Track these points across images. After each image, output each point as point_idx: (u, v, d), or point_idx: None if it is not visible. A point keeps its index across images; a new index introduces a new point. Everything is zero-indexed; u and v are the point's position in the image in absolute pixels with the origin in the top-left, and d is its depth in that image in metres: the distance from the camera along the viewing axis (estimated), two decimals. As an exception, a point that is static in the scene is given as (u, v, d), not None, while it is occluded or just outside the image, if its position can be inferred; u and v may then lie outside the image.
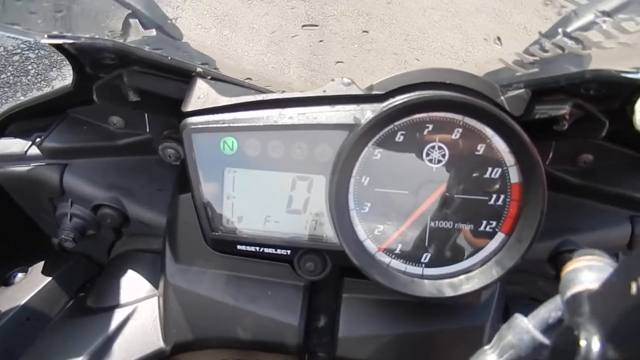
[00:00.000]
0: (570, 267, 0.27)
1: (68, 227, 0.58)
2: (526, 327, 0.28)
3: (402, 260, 0.45)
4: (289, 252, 0.46)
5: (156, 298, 0.53)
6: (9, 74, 2.36)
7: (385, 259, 0.45)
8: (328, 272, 0.47)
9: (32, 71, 2.42)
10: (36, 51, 2.49)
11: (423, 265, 0.45)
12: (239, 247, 0.47)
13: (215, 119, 0.45)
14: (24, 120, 0.61)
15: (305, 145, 0.44)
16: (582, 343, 0.22)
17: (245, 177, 0.46)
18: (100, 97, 0.49)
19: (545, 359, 0.27)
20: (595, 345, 0.22)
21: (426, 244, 0.45)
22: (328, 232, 0.46)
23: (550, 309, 0.27)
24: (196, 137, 0.45)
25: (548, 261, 0.54)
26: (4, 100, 2.25)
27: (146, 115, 0.58)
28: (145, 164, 0.61)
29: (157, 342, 0.50)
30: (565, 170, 0.55)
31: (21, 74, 2.38)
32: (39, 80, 2.40)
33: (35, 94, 2.32)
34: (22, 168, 0.57)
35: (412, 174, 0.44)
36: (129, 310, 0.52)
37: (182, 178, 0.53)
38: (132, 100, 0.49)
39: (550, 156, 0.54)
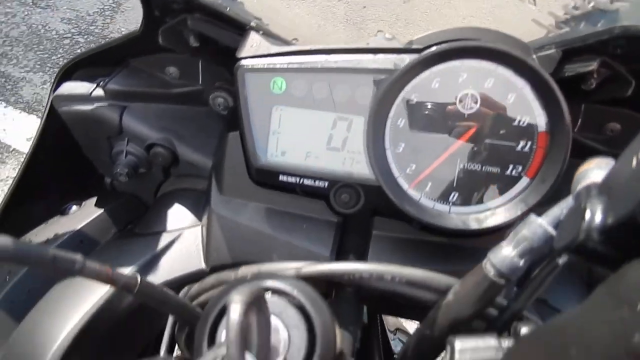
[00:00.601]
0: (582, 169, 0.30)
1: (123, 163, 0.63)
2: (539, 222, 0.31)
3: (431, 199, 0.48)
4: (326, 184, 0.50)
5: (199, 227, 0.58)
6: (59, 55, 2.49)
7: (416, 195, 0.48)
8: (361, 206, 0.50)
9: (81, 55, 2.53)
10: (85, 36, 2.61)
11: (450, 204, 0.48)
12: (281, 177, 0.51)
13: (266, 61, 0.50)
14: (88, 67, 0.67)
15: (348, 87, 0.48)
16: (587, 214, 0.25)
17: (291, 115, 0.50)
18: (165, 40, 0.54)
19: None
20: (598, 214, 0.25)
21: (454, 185, 0.48)
22: (363, 169, 0.50)
23: (562, 207, 0.31)
24: (249, 77, 0.50)
25: None
26: (52, 81, 2.37)
27: (200, 66, 0.63)
28: (195, 114, 0.66)
29: (198, 264, 0.54)
30: (593, 138, 0.57)
31: (70, 57, 2.50)
32: (86, 63, 2.51)
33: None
34: (87, 107, 0.63)
35: (445, 118, 0.47)
36: (174, 235, 0.57)
37: (230, 120, 0.58)
38: (192, 45, 0.55)
39: (579, 123, 0.57)
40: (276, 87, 0.50)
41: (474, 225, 0.46)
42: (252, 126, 0.51)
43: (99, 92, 0.63)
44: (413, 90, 0.47)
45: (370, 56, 0.48)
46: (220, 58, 0.58)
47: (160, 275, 0.54)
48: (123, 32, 2.69)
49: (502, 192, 0.48)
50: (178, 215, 0.61)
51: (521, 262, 0.32)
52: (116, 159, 0.64)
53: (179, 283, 0.53)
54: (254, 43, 0.52)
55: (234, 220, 0.54)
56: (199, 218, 0.60)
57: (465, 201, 0.48)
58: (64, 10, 2.69)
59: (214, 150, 0.61)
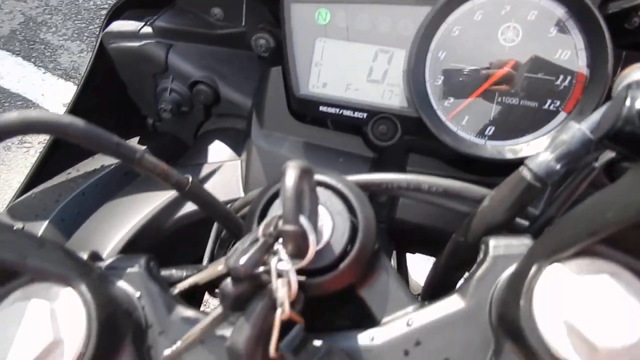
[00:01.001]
0: (624, 72, 0.31)
1: (167, 100, 0.66)
2: (578, 126, 0.32)
3: (467, 132, 0.50)
4: (365, 115, 0.52)
5: (239, 161, 0.60)
6: (95, 25, 2.55)
7: (453, 127, 0.50)
8: (397, 139, 0.52)
9: (117, 26, 2.58)
10: (121, 8, 2.67)
11: (486, 137, 0.49)
12: (321, 108, 0.53)
13: (312, -8, 0.51)
14: (137, 8, 0.70)
15: (390, 20, 0.50)
16: (628, 101, 0.26)
17: (333, 47, 0.52)
18: None
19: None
20: (639, 100, 0.26)
21: (491, 118, 0.49)
22: (402, 102, 0.51)
23: (601, 112, 0.32)
24: (295, 8, 0.51)
25: (604, 172, 0.57)
26: (89, 50, 2.43)
27: (244, 8, 0.65)
28: (236, 56, 0.68)
29: (237, 192, 0.57)
30: None
31: (106, 28, 2.56)
32: (122, 34, 2.57)
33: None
34: (135, 44, 0.66)
35: (485, 51, 0.48)
36: (214, 167, 0.60)
37: (272, 59, 0.60)
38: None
39: (619, 71, 0.57)
40: (320, 18, 0.51)
41: (509, 155, 0.47)
42: (295, 58, 0.53)
43: (147, 29, 0.66)
44: (455, 23, 0.48)
45: (413, -11, 0.49)
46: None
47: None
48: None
49: (538, 126, 0.48)
50: (218, 151, 0.64)
51: (558, 166, 0.33)
52: (160, 96, 0.67)
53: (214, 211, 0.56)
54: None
55: (273, 152, 0.57)
56: (238, 154, 0.63)
57: (501, 135, 0.49)
58: (102, -18, 2.74)
59: (254, 90, 0.63)
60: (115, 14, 0.69)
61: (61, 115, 0.32)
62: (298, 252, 0.28)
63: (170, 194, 0.56)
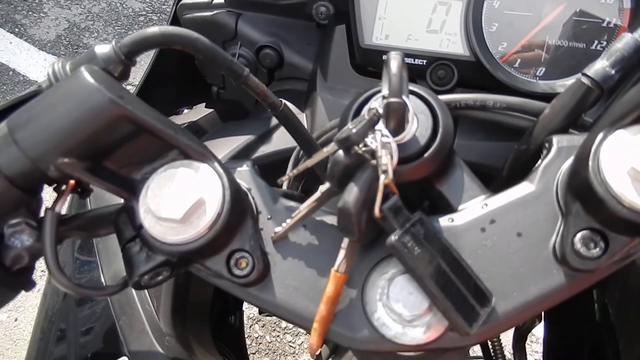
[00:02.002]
0: None
1: (235, 64, 0.73)
2: (631, 35, 0.37)
3: (520, 73, 0.55)
4: (424, 62, 0.57)
5: (303, 115, 0.66)
6: (134, 31, 2.67)
7: (507, 68, 0.55)
8: (454, 83, 0.57)
9: (154, 31, 2.71)
10: (158, 14, 2.79)
11: (537, 77, 0.54)
12: (384, 57, 0.58)
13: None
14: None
15: (449, -27, 0.55)
16: None
17: (396, 1, 0.58)
18: None
19: None
20: None
21: (542, 59, 0.54)
22: (458, 49, 0.57)
23: None
24: (360, -33, 0.58)
25: None
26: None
27: (306, -21, 0.72)
28: (298, 24, 0.74)
29: None
30: None
31: (145, 33, 2.68)
32: (159, 39, 2.68)
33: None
34: (207, 13, 0.73)
35: (536, -2, 0.53)
36: (277, 121, 0.66)
37: (332, 22, 0.66)
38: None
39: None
40: (385, -24, 0.57)
41: (560, 90, 0.52)
42: (361, 13, 0.59)
43: (219, 0, 0.73)
44: (509, -26, 0.53)
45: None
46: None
47: (270, 146, 0.63)
48: (192, 12, 2.85)
49: (586, 66, 0.53)
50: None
51: (613, 71, 0.38)
52: (228, 61, 0.74)
53: (286, 154, 0.62)
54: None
55: (337, 102, 0.62)
56: (302, 109, 0.69)
57: (552, 75, 0.54)
58: (140, -9, 2.88)
59: (316, 52, 0.70)
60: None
61: (191, 32, 0.39)
62: (398, 127, 0.33)
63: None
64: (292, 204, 0.39)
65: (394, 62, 0.33)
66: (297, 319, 0.36)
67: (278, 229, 0.36)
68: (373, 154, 0.33)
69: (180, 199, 0.32)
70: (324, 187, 0.35)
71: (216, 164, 0.35)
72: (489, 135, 0.56)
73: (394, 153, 0.33)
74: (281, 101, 0.45)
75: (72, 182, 0.35)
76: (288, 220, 0.36)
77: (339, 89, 0.63)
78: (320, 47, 0.69)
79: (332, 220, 0.38)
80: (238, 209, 0.35)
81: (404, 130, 0.35)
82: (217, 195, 0.33)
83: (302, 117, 0.66)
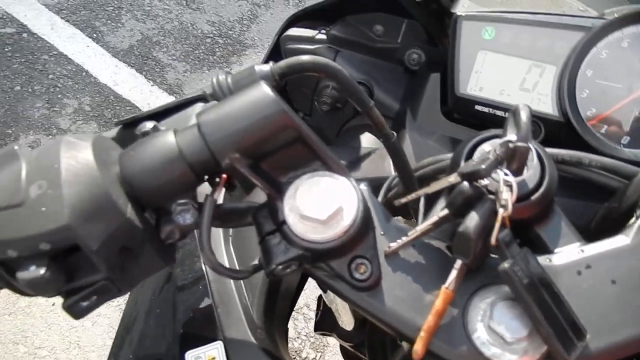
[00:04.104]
0: None
1: (327, 94, 0.79)
2: None
3: (605, 138, 0.59)
4: (514, 116, 0.62)
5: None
6: (200, 51, 2.83)
7: (594, 132, 0.59)
8: (540, 139, 0.62)
9: (218, 53, 2.86)
10: (224, 39, 2.95)
11: (622, 145, 0.58)
12: (476, 107, 0.64)
13: (481, 14, 0.63)
14: (308, 20, 0.85)
15: (548, 40, 0.61)
16: None
17: (493, 58, 0.63)
18: None
19: None
20: None
21: (628, 129, 0.58)
22: (548, 109, 0.61)
23: None
24: (465, 24, 0.64)
25: None
26: (191, 73, 2.70)
27: (403, 27, 0.78)
28: (388, 67, 0.81)
29: (389, 172, 0.68)
30: None
31: (209, 54, 2.84)
32: (222, 61, 2.83)
33: (216, 72, 2.76)
34: (309, 47, 0.80)
35: (628, 72, 0.58)
36: (366, 150, 0.71)
37: (423, 68, 0.72)
38: (417, 1, 0.70)
39: None
40: (486, 34, 0.63)
41: (644, 158, 0.56)
42: (459, 65, 0.65)
43: (321, 36, 0.80)
44: (604, 47, 0.58)
45: (570, 18, 0.60)
46: (431, 17, 0.73)
47: (359, 173, 0.68)
48: (256, 40, 3.00)
49: (671, 139, 0.57)
50: (367, 138, 0.75)
51: None
52: (321, 92, 0.80)
53: (374, 183, 0.67)
54: (465, 4, 0.67)
55: (424, 141, 0.68)
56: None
57: (636, 144, 0.58)
58: (210, 14, 3.06)
59: (404, 93, 0.76)
60: (290, 24, 0.85)
61: (334, 63, 0.45)
62: (519, 169, 0.38)
63: None
64: (402, 225, 0.44)
65: (524, 113, 0.38)
66: (403, 327, 0.39)
67: (393, 245, 0.41)
68: (486, 187, 0.38)
69: (325, 204, 0.37)
70: (442, 213, 0.39)
71: (352, 180, 0.40)
72: (575, 193, 0.60)
73: (514, 191, 0.37)
74: (393, 133, 0.50)
75: (224, 176, 0.40)
76: (403, 238, 0.41)
77: (427, 130, 0.68)
78: (410, 90, 0.74)
79: (436, 243, 0.42)
80: (365, 221, 0.39)
81: (523, 173, 0.39)
82: (354, 206, 0.38)
83: (384, 152, 0.71)
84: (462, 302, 0.39)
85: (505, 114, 0.63)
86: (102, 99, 2.39)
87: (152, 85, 2.56)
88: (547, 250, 0.42)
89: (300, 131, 0.38)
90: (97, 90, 2.42)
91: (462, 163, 0.43)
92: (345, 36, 0.80)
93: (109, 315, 1.74)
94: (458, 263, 0.38)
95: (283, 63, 0.45)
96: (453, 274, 0.38)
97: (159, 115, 0.45)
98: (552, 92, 0.61)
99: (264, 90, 0.37)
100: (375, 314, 0.40)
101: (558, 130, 0.60)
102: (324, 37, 0.80)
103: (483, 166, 0.37)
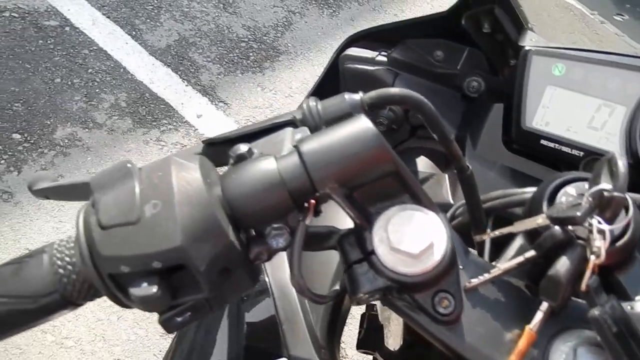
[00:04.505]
0: None
1: (384, 115, 0.80)
2: None
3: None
4: (581, 154, 0.62)
5: (446, 175, 0.72)
6: (234, 54, 2.86)
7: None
8: (605, 177, 0.62)
9: (252, 58, 2.89)
10: (258, 44, 2.98)
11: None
12: (542, 141, 0.64)
13: (552, 50, 0.64)
14: (367, 41, 0.86)
15: (620, 80, 0.61)
16: None
17: (562, 95, 0.64)
18: (467, 23, 0.71)
19: None
20: None
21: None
22: (616, 148, 0.62)
23: None
24: (535, 59, 0.64)
25: None
26: (225, 75, 2.73)
27: (465, 54, 0.79)
28: (445, 92, 0.82)
29: (447, 200, 0.68)
30: None
31: (243, 58, 2.87)
32: (255, 66, 2.86)
33: (249, 75, 2.79)
34: (369, 67, 0.82)
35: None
36: (423, 175, 0.72)
37: (481, 96, 0.73)
38: (483, 30, 0.71)
39: None
40: (556, 70, 0.63)
41: None
42: (526, 98, 0.65)
43: (382, 58, 0.81)
44: (676, 92, 0.59)
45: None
46: (494, 47, 0.73)
47: None
48: (289, 47, 3.03)
49: None
50: (423, 163, 0.76)
51: None
52: (379, 112, 0.81)
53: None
54: (533, 38, 0.67)
55: (485, 171, 0.68)
56: (441, 169, 0.75)
57: None
58: (246, 19, 3.10)
59: (462, 120, 0.76)
60: (349, 43, 0.86)
61: (422, 98, 0.46)
62: (612, 218, 0.38)
63: None
64: (481, 260, 0.44)
65: (621, 162, 0.38)
66: None
67: (474, 280, 0.42)
68: (574, 232, 0.38)
69: (417, 239, 0.38)
70: (528, 254, 0.40)
71: (442, 215, 0.41)
72: None
73: (607, 239, 0.38)
74: (468, 167, 0.51)
75: (313, 202, 0.41)
76: (486, 275, 0.41)
77: (488, 161, 0.69)
78: (468, 117, 0.75)
79: (514, 281, 0.43)
80: (452, 256, 0.40)
81: (615, 222, 0.39)
82: (443, 242, 0.39)
83: (444, 177, 0.72)
84: (543, 343, 0.40)
85: (571, 150, 0.63)
86: (138, 96, 2.44)
87: (187, 86, 2.60)
88: (627, 297, 0.43)
89: (397, 165, 0.39)
90: (134, 87, 2.46)
91: (545, 205, 0.44)
92: (405, 59, 0.81)
93: (135, 311, 1.76)
94: (544, 305, 0.39)
95: (374, 94, 0.46)
96: (539, 315, 0.39)
97: (247, 137, 0.46)
98: (621, 132, 0.61)
99: (366, 123, 0.38)
100: (454, 349, 0.41)
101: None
102: (384, 59, 0.81)
103: (578, 213, 0.37)
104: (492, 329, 0.41)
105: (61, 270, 0.37)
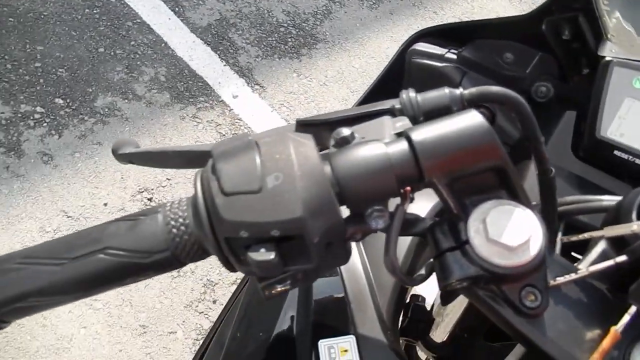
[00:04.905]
0: None
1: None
2: None
3: None
4: (654, 168, 0.63)
5: None
6: (273, 38, 2.87)
7: None
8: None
9: (290, 43, 2.90)
10: (296, 30, 2.99)
11: None
12: (615, 152, 0.65)
13: (635, 62, 0.64)
14: (434, 37, 0.87)
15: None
16: None
17: (639, 107, 0.64)
18: (547, 28, 0.71)
19: None
20: None
21: None
22: (687, 164, 0.62)
23: None
24: (616, 70, 0.65)
25: None
26: (262, 59, 2.75)
27: (536, 58, 0.80)
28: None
29: None
30: None
31: (281, 43, 2.88)
32: (292, 51, 2.87)
33: (286, 61, 2.80)
34: (437, 64, 0.82)
35: None
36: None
37: (549, 102, 0.73)
38: (563, 37, 0.71)
39: None
40: (637, 83, 0.64)
41: None
42: (602, 107, 0.66)
43: (451, 55, 0.82)
44: None
45: None
46: (569, 53, 0.74)
47: None
48: (327, 35, 3.03)
49: None
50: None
51: None
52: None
53: None
54: (613, 49, 0.68)
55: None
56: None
57: None
58: (287, 4, 3.10)
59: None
60: (416, 38, 0.87)
61: (521, 99, 0.47)
62: None
63: None
64: (561, 258, 0.46)
65: None
66: (563, 358, 0.41)
67: (560, 279, 0.43)
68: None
69: (516, 232, 0.40)
70: (619, 259, 0.41)
71: (538, 215, 0.42)
72: None
73: None
74: (552, 169, 0.52)
75: (408, 189, 0.43)
76: (572, 275, 0.43)
77: (555, 166, 0.69)
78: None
79: (596, 284, 0.44)
80: (544, 253, 0.41)
81: None
82: (539, 238, 0.40)
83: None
84: (624, 345, 0.41)
85: (644, 164, 0.64)
86: (177, 72, 2.47)
87: (225, 66, 2.62)
88: None
89: (505, 162, 0.40)
90: (173, 62, 2.49)
91: (635, 213, 0.45)
92: (474, 59, 0.81)
93: (162, 280, 1.81)
94: (633, 309, 0.40)
95: (474, 90, 0.47)
96: (625, 318, 0.40)
97: (345, 121, 0.48)
98: (698, 150, 0.61)
99: (479, 118, 0.40)
100: (535, 342, 0.42)
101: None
102: (453, 56, 0.82)
103: None
104: (574, 326, 0.42)
105: (174, 230, 0.39)
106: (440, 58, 0.82)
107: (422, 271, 0.45)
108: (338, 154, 0.41)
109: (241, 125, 2.43)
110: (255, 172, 0.37)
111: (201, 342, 0.64)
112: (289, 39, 2.92)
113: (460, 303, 0.72)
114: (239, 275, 2.01)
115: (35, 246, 0.42)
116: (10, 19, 2.31)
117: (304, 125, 0.51)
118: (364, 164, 0.39)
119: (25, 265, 0.40)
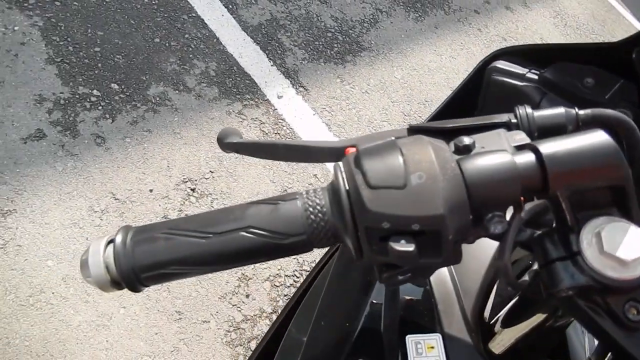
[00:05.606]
0: None
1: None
2: None
3: None
4: None
5: None
6: (320, 43, 2.92)
7: None
8: None
9: (335, 49, 2.94)
10: (343, 36, 3.03)
11: None
12: None
13: None
14: (513, 56, 0.89)
15: None
16: None
17: None
18: (637, 56, 0.73)
19: None
20: None
21: None
22: None
23: None
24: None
25: None
26: (308, 62, 2.79)
27: (618, 85, 0.82)
28: None
29: None
30: None
31: (327, 48, 2.92)
32: (337, 57, 2.91)
33: (331, 66, 2.84)
34: (518, 82, 0.85)
35: None
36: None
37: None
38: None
39: None
40: None
41: None
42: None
43: (532, 76, 0.85)
44: None
45: None
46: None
47: None
48: (372, 44, 3.07)
49: None
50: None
51: None
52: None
53: None
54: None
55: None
56: None
57: None
58: (335, 10, 3.15)
59: None
60: (497, 56, 0.89)
61: (631, 121, 0.49)
62: None
63: None
64: None
65: None
66: None
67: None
68: None
69: (631, 248, 0.42)
70: None
71: None
72: None
73: None
74: None
75: (523, 198, 0.45)
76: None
77: None
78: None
79: None
80: None
81: None
82: None
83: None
84: None
85: None
86: (227, 68, 2.53)
87: (272, 66, 2.67)
88: None
89: (628, 182, 0.42)
90: (224, 58, 2.55)
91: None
92: (555, 80, 0.84)
93: (201, 269, 1.85)
94: None
95: (589, 111, 0.50)
96: None
97: (461, 130, 0.51)
98: None
99: (607, 138, 0.42)
100: (635, 355, 0.44)
101: None
102: (534, 77, 0.84)
103: None
104: None
105: (312, 216, 0.43)
106: (521, 77, 0.85)
107: (526, 277, 0.48)
108: (468, 160, 0.44)
109: (284, 126, 2.47)
110: (399, 169, 0.40)
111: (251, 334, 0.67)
112: (335, 45, 2.97)
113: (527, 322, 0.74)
114: (272, 272, 2.05)
115: (179, 219, 0.45)
116: (75, 3, 2.40)
117: (416, 131, 0.54)
118: (494, 171, 0.42)
119: (172, 235, 0.44)
